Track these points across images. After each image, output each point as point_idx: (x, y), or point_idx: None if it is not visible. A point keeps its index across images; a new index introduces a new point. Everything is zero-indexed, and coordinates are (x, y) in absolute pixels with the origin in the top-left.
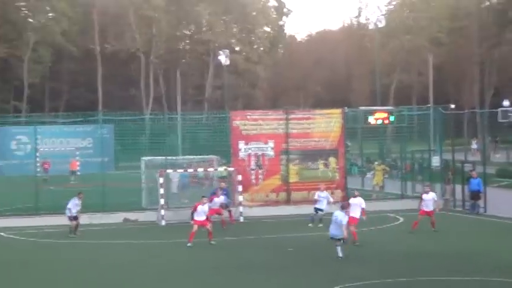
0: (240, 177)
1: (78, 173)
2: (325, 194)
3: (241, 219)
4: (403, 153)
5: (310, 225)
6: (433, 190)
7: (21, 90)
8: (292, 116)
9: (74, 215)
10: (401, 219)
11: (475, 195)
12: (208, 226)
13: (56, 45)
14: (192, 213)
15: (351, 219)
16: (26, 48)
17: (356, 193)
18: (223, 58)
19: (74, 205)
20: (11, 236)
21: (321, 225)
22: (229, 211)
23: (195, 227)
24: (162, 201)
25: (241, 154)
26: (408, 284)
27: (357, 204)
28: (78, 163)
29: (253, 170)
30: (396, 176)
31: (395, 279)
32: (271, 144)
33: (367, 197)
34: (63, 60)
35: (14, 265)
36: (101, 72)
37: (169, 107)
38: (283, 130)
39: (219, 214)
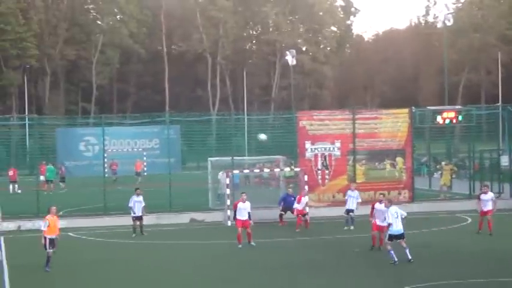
0: (306, 178)
1: (145, 174)
2: (356, 193)
3: (308, 219)
4: (472, 152)
5: (346, 228)
6: (501, 190)
7: (90, 91)
8: (359, 115)
9: (139, 214)
10: (469, 220)
11: None
12: (249, 229)
13: (124, 47)
14: (235, 212)
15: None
16: (94, 50)
17: (381, 197)
18: (290, 58)
19: (134, 202)
20: (79, 236)
21: (351, 227)
22: (282, 214)
23: (239, 229)
24: (228, 201)
25: (308, 154)
26: (476, 285)
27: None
28: (143, 164)
29: (319, 170)
30: (464, 176)
31: (464, 280)
32: (337, 144)
33: (434, 197)
34: (131, 62)
35: (81, 265)
36: (167, 74)
37: (235, 107)
38: (350, 130)
39: (303, 215)
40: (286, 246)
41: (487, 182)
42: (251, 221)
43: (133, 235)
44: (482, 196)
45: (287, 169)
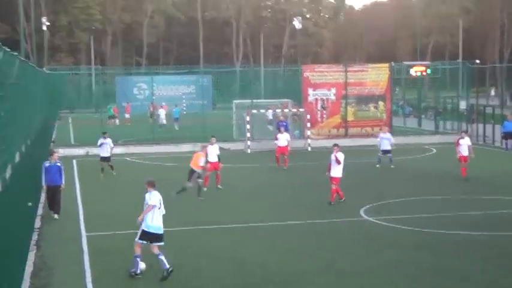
0: (308, 116)
1: (184, 112)
2: (388, 135)
3: (309, 148)
4: (437, 98)
5: (378, 166)
6: (460, 128)
7: (141, 48)
8: (350, 68)
9: (106, 155)
10: (434, 150)
11: (509, 135)
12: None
13: (168, 14)
14: (206, 156)
15: None
16: (145, 16)
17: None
18: (297, 23)
19: (101, 144)
20: (134, 160)
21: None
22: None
23: (207, 173)
24: (248, 134)
25: (310, 98)
26: (439, 201)
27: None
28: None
29: (319, 110)
30: (431, 116)
31: (429, 196)
32: (333, 90)
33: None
34: (173, 25)
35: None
36: (202, 35)
37: (254, 61)
38: (342, 80)
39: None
40: (292, 170)
41: (464, 128)
42: (221, 163)
43: (102, 175)
44: (461, 141)
45: (294, 110)
